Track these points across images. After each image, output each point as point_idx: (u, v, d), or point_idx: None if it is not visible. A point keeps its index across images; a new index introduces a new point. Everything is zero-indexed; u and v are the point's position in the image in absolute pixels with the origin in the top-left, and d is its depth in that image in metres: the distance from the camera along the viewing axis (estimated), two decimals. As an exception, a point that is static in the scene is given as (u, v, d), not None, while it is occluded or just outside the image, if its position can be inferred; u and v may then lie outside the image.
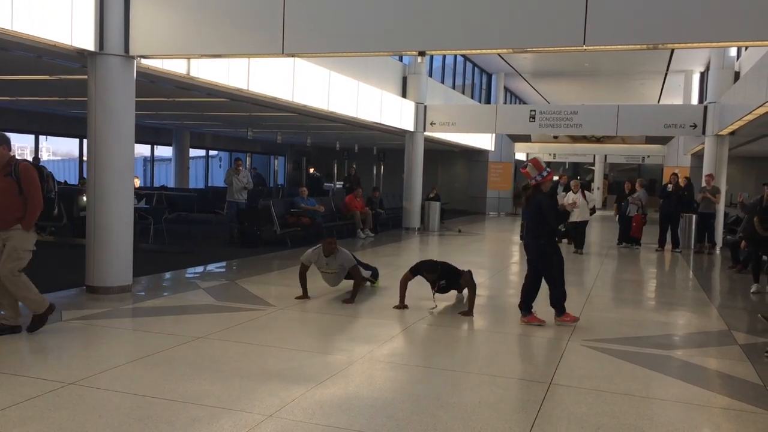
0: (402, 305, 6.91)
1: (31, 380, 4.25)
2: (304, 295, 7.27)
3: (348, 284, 7.43)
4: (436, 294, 7.01)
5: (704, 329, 6.80)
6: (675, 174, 14.31)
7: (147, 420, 3.67)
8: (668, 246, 13.71)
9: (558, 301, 6.40)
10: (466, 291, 7.06)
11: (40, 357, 4.80)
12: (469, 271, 7.01)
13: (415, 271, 6.97)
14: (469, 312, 6.74)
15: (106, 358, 4.91)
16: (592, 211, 13.25)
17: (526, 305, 6.48)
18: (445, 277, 6.96)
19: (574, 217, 12.41)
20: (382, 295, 7.61)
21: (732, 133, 14.54)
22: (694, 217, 13.78)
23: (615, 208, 15.39)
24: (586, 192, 13.17)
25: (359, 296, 7.30)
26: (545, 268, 6.37)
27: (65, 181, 17.18)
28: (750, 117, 11.68)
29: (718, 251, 13.95)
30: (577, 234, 12.95)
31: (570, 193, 12.90)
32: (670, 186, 13.78)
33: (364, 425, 3.72)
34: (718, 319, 7.18)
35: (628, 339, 6.07)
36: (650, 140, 24.42)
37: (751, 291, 8.76)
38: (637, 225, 13.84)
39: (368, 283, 8.07)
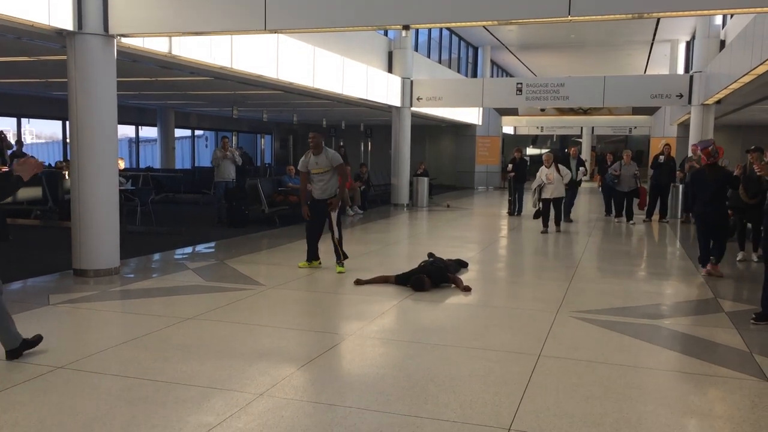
0: (364, 283, 6.97)
1: (19, 365, 4.23)
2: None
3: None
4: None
5: (691, 298, 6.87)
6: (667, 145, 14.31)
7: (137, 402, 3.67)
8: (656, 216, 13.79)
9: (720, 253, 7.87)
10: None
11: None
12: (457, 276, 7.09)
13: (402, 281, 6.87)
14: (466, 288, 6.76)
15: (94, 341, 4.90)
16: (577, 183, 12.46)
17: (706, 259, 7.89)
18: (434, 280, 6.84)
19: (547, 194, 11.85)
20: (371, 273, 7.59)
21: (718, 102, 14.58)
22: (680, 187, 13.84)
23: (598, 179, 15.32)
24: (560, 166, 12.20)
25: (346, 275, 7.33)
26: (722, 230, 7.81)
27: (50, 165, 16.96)
28: (736, 85, 11.70)
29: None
30: (555, 211, 12.10)
31: (543, 167, 12.11)
32: (661, 157, 13.78)
33: (355, 401, 3.74)
34: (705, 287, 7.26)
35: (615, 309, 6.12)
36: (637, 111, 24.48)
37: (737, 259, 8.86)
38: (644, 197, 13.79)
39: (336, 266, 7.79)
